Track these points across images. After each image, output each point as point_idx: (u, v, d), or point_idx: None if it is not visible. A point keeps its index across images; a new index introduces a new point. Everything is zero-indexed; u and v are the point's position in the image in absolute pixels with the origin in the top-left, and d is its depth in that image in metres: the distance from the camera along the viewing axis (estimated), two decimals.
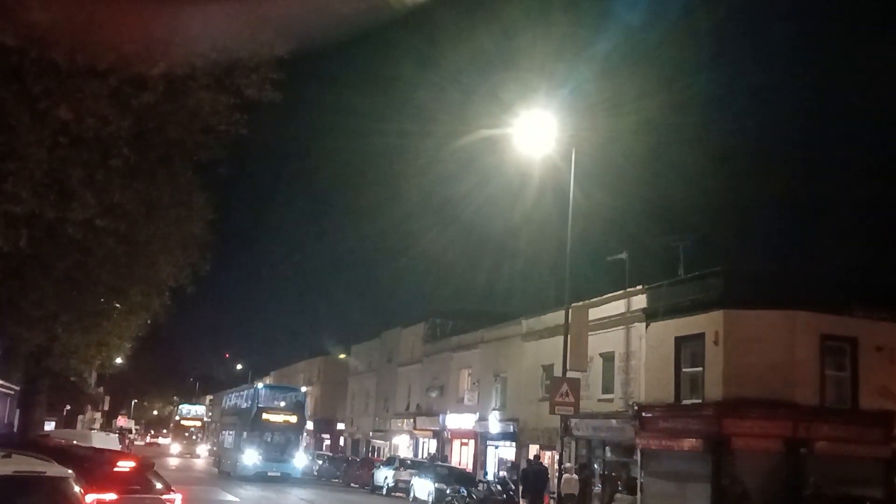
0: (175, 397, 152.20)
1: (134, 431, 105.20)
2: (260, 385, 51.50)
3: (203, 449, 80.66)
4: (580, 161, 27.04)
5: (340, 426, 78.01)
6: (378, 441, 65.10)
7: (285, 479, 43.52)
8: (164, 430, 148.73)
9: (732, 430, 26.77)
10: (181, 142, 14.86)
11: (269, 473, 43.59)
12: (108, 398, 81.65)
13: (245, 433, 45.76)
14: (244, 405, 49.83)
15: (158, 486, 14.79)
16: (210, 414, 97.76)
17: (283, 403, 48.28)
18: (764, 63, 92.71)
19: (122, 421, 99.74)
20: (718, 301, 28.14)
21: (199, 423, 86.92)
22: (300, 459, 47.04)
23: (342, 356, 79.19)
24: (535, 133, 26.01)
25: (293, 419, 46.76)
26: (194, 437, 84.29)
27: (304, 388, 55.45)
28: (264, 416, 45.63)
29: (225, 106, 13.82)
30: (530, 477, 30.73)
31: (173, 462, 60.27)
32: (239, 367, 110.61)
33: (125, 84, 11.79)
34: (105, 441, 26.23)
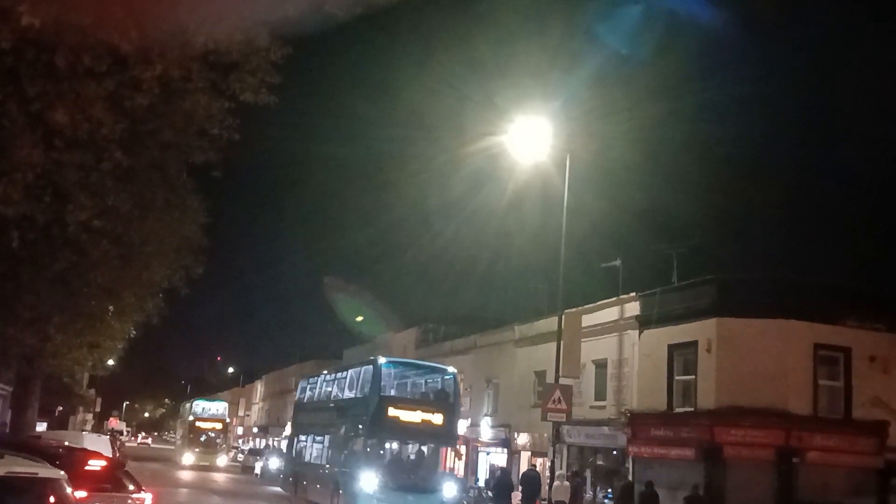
0: (167, 399, 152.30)
1: (125, 433, 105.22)
2: (382, 360, 28.94)
3: (224, 459, 60.52)
4: (574, 167, 27.05)
5: None
6: None
7: None
8: (167, 433, 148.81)
9: (725, 438, 26.77)
10: (176, 145, 14.87)
11: None
12: (99, 400, 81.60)
13: (357, 441, 27.51)
14: (350, 394, 30.16)
15: (130, 485, 14.88)
16: (242, 414, 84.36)
17: (421, 391, 30.80)
18: (759, 72, 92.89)
19: (113, 422, 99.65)
20: (711, 309, 28.16)
21: (219, 426, 61.43)
22: (449, 487, 27.39)
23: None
24: (529, 139, 26.01)
25: (437, 418, 27.24)
26: (217, 443, 60.49)
27: (451, 369, 30.25)
28: (392, 411, 26.84)
29: (219, 109, 13.83)
30: (527, 482, 30.70)
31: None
32: (231, 369, 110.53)
33: (121, 87, 11.78)
34: (96, 442, 26.14)
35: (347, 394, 30.42)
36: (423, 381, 30.87)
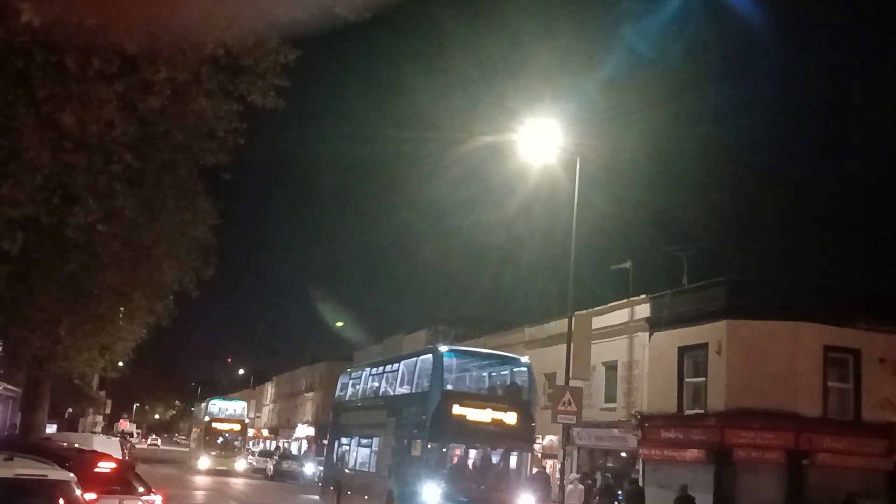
0: (177, 401, 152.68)
1: (135, 435, 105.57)
2: (444, 348, 24.80)
3: (243, 463, 56.72)
4: (585, 169, 27.06)
5: None
6: None
7: None
8: (177, 434, 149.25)
9: (735, 440, 26.75)
10: (186, 147, 14.92)
11: None
12: (109, 402, 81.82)
13: (415, 444, 23.19)
14: (404, 389, 26.00)
15: (139, 487, 14.93)
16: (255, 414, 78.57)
17: (488, 385, 25.93)
18: (771, 75, 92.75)
19: (123, 424, 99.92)
20: (722, 311, 28.12)
21: (237, 427, 57.05)
22: (527, 501, 22.67)
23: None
24: (539, 141, 26.05)
25: (510, 417, 23.00)
26: (235, 446, 56.23)
27: (524, 359, 25.47)
28: (457, 409, 22.76)
29: (228, 112, 13.89)
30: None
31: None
32: (241, 371, 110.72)
33: (132, 89, 11.82)
34: (106, 444, 26.17)
35: (400, 389, 26.14)
36: (490, 374, 26.37)
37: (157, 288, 21.11)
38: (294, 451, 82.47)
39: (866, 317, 28.04)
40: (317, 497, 34.48)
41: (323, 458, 62.32)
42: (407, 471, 22.74)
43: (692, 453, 28.01)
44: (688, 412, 29.15)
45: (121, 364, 35.61)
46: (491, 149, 28.03)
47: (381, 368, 29.17)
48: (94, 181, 13.07)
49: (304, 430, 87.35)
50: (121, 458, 20.88)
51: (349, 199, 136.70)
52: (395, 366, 27.45)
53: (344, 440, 30.56)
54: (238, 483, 46.47)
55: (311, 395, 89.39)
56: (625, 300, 33.81)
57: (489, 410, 22.94)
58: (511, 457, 23.61)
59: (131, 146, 12.81)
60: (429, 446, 22.59)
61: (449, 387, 23.87)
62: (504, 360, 26.08)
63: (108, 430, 78.76)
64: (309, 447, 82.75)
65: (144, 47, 11.12)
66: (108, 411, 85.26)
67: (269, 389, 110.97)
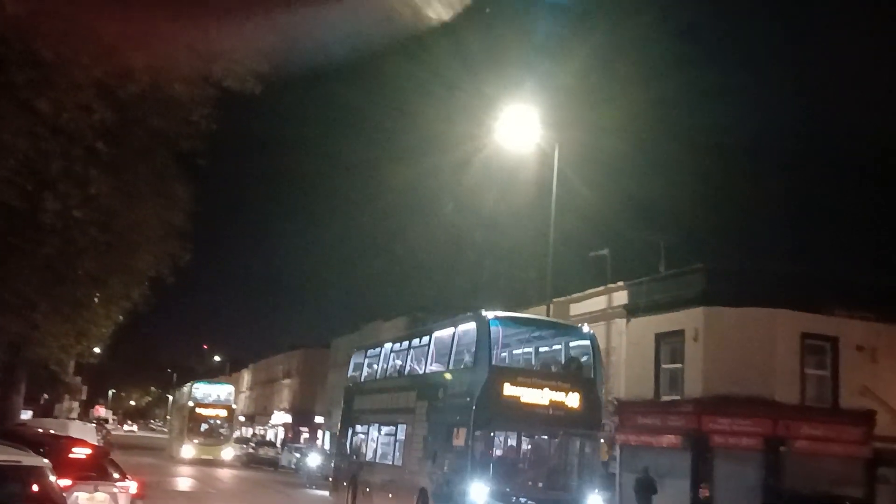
0: (153, 387, 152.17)
1: (111, 421, 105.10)
2: (489, 314, 19.86)
3: (230, 452, 52.57)
4: (563, 156, 27.03)
5: (319, 419, 77.96)
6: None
7: None
8: (152, 420, 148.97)
9: (712, 427, 26.87)
10: (163, 132, 14.83)
11: None
12: (85, 388, 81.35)
13: (456, 432, 18.91)
14: (437, 366, 21.92)
15: (115, 473, 14.89)
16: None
17: (544, 360, 21.63)
18: (749, 61, 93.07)
19: (99, 411, 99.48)
20: (699, 298, 28.21)
21: (224, 413, 52.43)
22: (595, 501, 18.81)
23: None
24: (518, 128, 26.00)
25: (572, 399, 19.08)
26: (221, 433, 51.65)
27: (586, 328, 21.50)
28: (509, 390, 18.77)
29: (204, 97, 13.80)
30: None
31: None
32: (217, 358, 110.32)
33: (110, 76, 11.73)
34: (82, 430, 26.03)
35: (433, 366, 21.93)
36: (547, 347, 22.13)
37: (133, 273, 21.03)
38: (270, 438, 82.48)
39: (844, 304, 28.18)
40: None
41: (298, 446, 62.77)
42: (445, 464, 18.92)
43: (669, 439, 28.13)
44: (665, 398, 29.28)
45: (97, 350, 35.36)
46: (470, 136, 27.97)
47: (405, 343, 24.60)
48: (69, 167, 12.98)
49: (281, 418, 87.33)
50: (96, 444, 20.77)
51: (327, 187, 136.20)
52: (425, 339, 22.96)
53: (360, 428, 26.35)
54: (225, 474, 42.87)
55: (288, 382, 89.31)
56: (602, 287, 33.86)
57: (547, 391, 18.85)
58: (574, 446, 19.62)
59: (107, 132, 12.71)
60: (475, 434, 18.26)
61: (494, 360, 19.71)
62: (562, 330, 22.36)
63: (84, 416, 78.40)
64: (286, 435, 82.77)
65: (124, 35, 11.02)
66: (83, 397, 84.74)
67: (246, 376, 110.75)
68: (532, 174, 29.43)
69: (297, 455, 55.11)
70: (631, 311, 31.41)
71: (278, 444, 70.73)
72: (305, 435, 79.98)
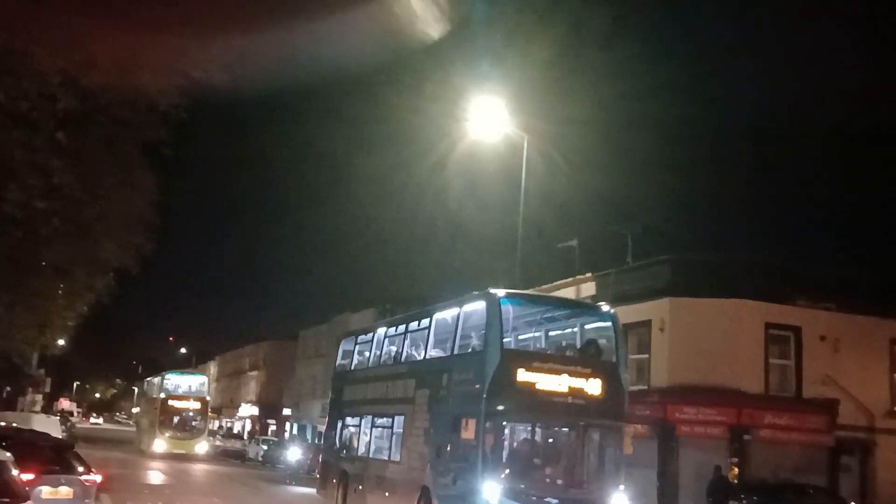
0: (118, 380, 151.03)
1: (76, 414, 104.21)
2: (500, 293, 17.94)
3: (204, 446, 50.13)
4: (532, 148, 27.06)
5: (286, 412, 77.79)
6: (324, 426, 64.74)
7: None
8: (118, 413, 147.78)
9: (678, 416, 27.07)
10: (127, 121, 14.69)
11: None
12: (49, 380, 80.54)
13: (464, 424, 16.44)
14: (439, 351, 20.22)
15: (79, 467, 14.80)
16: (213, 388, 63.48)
17: (561, 344, 19.51)
18: (716, 52, 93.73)
19: (63, 403, 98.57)
20: (665, 289, 28.39)
21: (197, 405, 50.13)
22: (619, 500, 17.06)
23: None
24: (487, 120, 25.99)
25: (593, 386, 17.22)
26: (195, 426, 49.49)
27: (606, 307, 19.40)
28: (523, 376, 16.86)
29: (171, 86, 13.67)
30: None
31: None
32: (183, 350, 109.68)
33: (73, 64, 11.60)
34: (46, 424, 25.70)
35: (433, 352, 20.16)
36: (559, 330, 20.23)
37: (97, 264, 20.82)
38: (237, 430, 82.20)
39: (807, 295, 28.50)
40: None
41: (265, 438, 62.48)
42: (451, 460, 17.18)
43: (635, 429, 28.20)
44: (631, 388, 29.40)
45: (61, 342, 35.00)
46: (440, 126, 27.94)
47: (401, 327, 22.65)
48: (32, 157, 12.83)
49: (248, 410, 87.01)
50: (60, 437, 20.59)
51: (296, 177, 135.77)
52: (424, 322, 21.02)
53: (350, 420, 24.48)
54: (191, 468, 40.99)
55: (255, 374, 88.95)
56: (570, 279, 33.97)
57: (566, 377, 16.94)
58: (595, 439, 17.88)
59: (70, 121, 12.58)
60: (486, 426, 16.36)
61: (507, 340, 18.16)
62: (578, 310, 20.40)
63: (48, 409, 77.61)
64: (253, 427, 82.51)
65: (86, 22, 10.90)
66: (47, 390, 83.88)
67: (212, 369, 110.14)
68: (501, 166, 29.48)
69: (265, 447, 54.88)
70: (598, 301, 31.53)
71: (245, 437, 70.53)
72: (273, 427, 79.81)
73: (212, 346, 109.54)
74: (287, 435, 72.38)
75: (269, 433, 75.14)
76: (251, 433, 76.43)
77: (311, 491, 28.70)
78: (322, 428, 63.86)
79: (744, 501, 23.90)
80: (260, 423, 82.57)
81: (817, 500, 24.90)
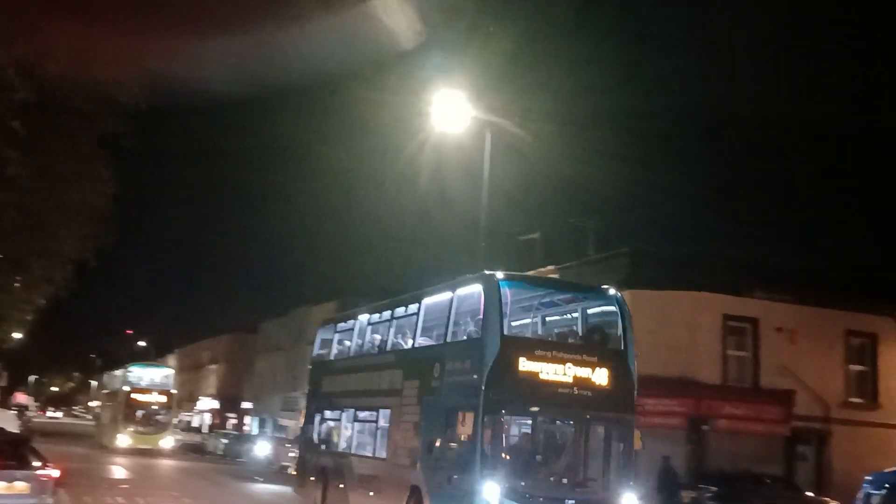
0: (75, 373, 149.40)
1: (33, 408, 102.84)
2: (499, 275, 16.40)
3: (170, 441, 48.19)
4: (494, 140, 27.07)
5: (246, 405, 77.44)
6: (286, 420, 64.62)
7: None
8: (74, 407, 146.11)
9: (637, 407, 27.27)
10: (85, 113, 14.54)
11: None
12: (5, 374, 79.48)
13: (461, 417, 15.12)
14: (427, 339, 18.80)
15: (35, 461, 14.66)
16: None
17: (564, 330, 18.12)
18: (676, 47, 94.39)
19: (19, 397, 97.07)
20: (625, 281, 28.45)
21: (163, 399, 48.09)
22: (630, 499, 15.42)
23: None
24: (448, 111, 25.94)
25: (600, 376, 15.91)
26: (160, 420, 47.30)
27: (612, 290, 18.02)
28: (525, 365, 15.43)
29: (130, 78, 13.57)
30: None
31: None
32: (142, 343, 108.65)
33: (29, 54, 11.46)
34: (1, 418, 25.41)
35: (423, 340, 18.74)
36: (557, 315, 18.93)
37: (55, 257, 20.61)
38: (196, 424, 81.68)
39: (764, 287, 28.87)
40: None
41: (225, 432, 62.09)
42: (445, 457, 15.95)
43: None
44: None
45: (17, 335, 34.57)
46: (401, 119, 27.88)
47: (386, 313, 21.09)
48: None
49: (208, 404, 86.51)
50: (16, 431, 20.37)
51: (256, 169, 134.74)
52: (412, 307, 19.57)
53: (330, 414, 23.01)
54: (151, 463, 39.67)
55: (214, 367, 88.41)
56: (532, 271, 34.08)
57: (570, 366, 15.64)
58: (603, 433, 16.43)
59: (26, 112, 12.44)
60: (484, 420, 14.98)
61: (505, 329, 16.28)
62: (580, 293, 18.82)
63: (4, 403, 76.52)
64: (213, 421, 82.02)
65: (43, 13, 10.77)
66: (3, 384, 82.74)
67: (172, 362, 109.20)
68: (465, 159, 29.46)
69: (225, 441, 54.52)
70: None
71: (205, 430, 70.10)
72: (233, 421, 79.45)
73: (171, 340, 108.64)
74: (247, 428, 72.08)
75: (229, 427, 74.77)
76: (211, 427, 75.96)
77: (282, 489, 28.15)
78: (283, 421, 64.36)
79: (701, 492, 24.19)
80: (220, 416, 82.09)
81: (774, 489, 25.27)
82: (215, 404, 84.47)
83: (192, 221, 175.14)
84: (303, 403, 49.81)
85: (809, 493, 25.95)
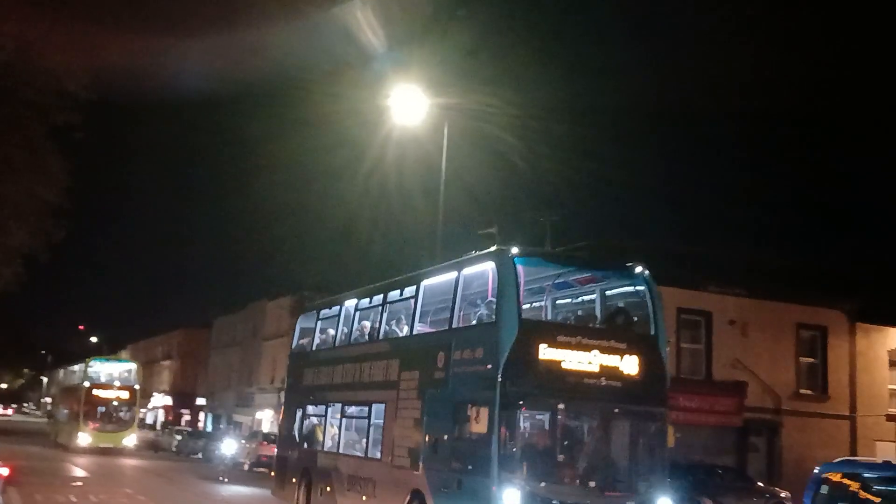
0: (26, 370, 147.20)
1: None
2: (514, 250, 14.24)
3: (133, 439, 45.77)
4: (451, 134, 27.05)
5: (200, 401, 76.85)
6: (241, 416, 64.23)
7: None
8: (25, 404, 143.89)
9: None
10: (34, 103, 14.30)
11: None
12: None
13: (471, 412, 13.70)
14: (426, 326, 17.58)
15: None
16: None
17: (586, 314, 15.60)
18: (638, 36, 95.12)
19: None
20: None
21: (126, 395, 45.78)
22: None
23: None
24: (407, 106, 25.89)
25: (629, 365, 13.82)
26: (122, 418, 45.20)
27: (639, 268, 15.42)
28: (545, 353, 13.44)
29: (79, 68, 13.38)
30: None
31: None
32: (94, 339, 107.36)
33: None
34: None
35: (421, 327, 17.07)
36: (580, 295, 16.74)
37: (4, 251, 20.25)
38: (150, 420, 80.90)
39: (717, 281, 29.23)
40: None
41: (180, 428, 61.45)
42: (452, 458, 14.15)
43: None
44: None
45: None
46: (359, 113, 27.77)
47: (377, 298, 19.02)
48: None
49: (161, 400, 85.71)
50: None
51: (212, 162, 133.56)
52: (409, 290, 17.49)
53: (313, 409, 21.20)
54: (108, 461, 38.09)
55: (168, 363, 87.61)
56: None
57: (597, 353, 13.80)
58: (634, 429, 14.42)
59: None
60: (500, 416, 13.14)
61: (526, 314, 14.83)
62: (603, 272, 16.49)
63: None
64: (167, 417, 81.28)
65: None
66: None
67: (124, 357, 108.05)
68: (422, 153, 29.41)
69: (179, 437, 54.06)
70: None
71: (158, 427, 69.43)
72: (187, 417, 78.82)
73: (124, 335, 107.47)
74: (201, 425, 71.51)
75: (183, 423, 74.16)
76: (164, 423, 75.26)
77: (252, 491, 27.40)
78: (238, 417, 63.93)
79: None
80: (173, 412, 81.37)
81: (726, 479, 25.58)
82: (168, 400, 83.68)
83: (146, 216, 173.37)
84: (258, 400, 49.07)
85: (761, 484, 26.30)
